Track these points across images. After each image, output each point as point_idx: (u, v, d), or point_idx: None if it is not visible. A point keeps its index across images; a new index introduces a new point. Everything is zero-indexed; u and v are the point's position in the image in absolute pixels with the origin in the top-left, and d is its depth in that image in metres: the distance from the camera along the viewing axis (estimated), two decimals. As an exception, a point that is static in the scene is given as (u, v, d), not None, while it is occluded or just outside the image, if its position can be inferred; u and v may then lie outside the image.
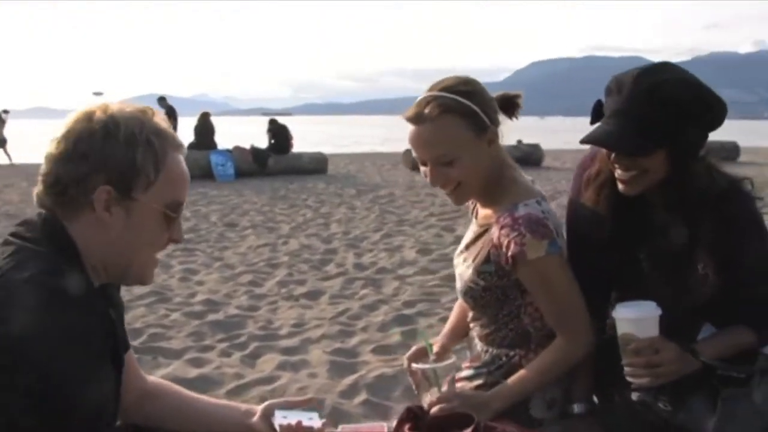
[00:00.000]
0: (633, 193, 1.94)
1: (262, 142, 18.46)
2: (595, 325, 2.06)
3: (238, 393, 4.20)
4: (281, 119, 19.39)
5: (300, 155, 19.02)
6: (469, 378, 2.21)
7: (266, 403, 1.95)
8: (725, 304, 2.02)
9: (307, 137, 28.78)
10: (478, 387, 2.17)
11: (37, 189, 1.49)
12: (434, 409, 1.97)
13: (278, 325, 5.67)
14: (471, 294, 2.13)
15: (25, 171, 17.83)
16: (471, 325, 2.27)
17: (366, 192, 14.88)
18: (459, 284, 2.19)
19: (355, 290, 6.77)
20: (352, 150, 28.83)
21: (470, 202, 2.31)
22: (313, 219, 11.18)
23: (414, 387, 2.20)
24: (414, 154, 2.05)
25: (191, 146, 17.08)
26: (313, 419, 1.76)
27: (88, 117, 1.46)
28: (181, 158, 1.56)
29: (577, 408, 2.11)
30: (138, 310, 5.85)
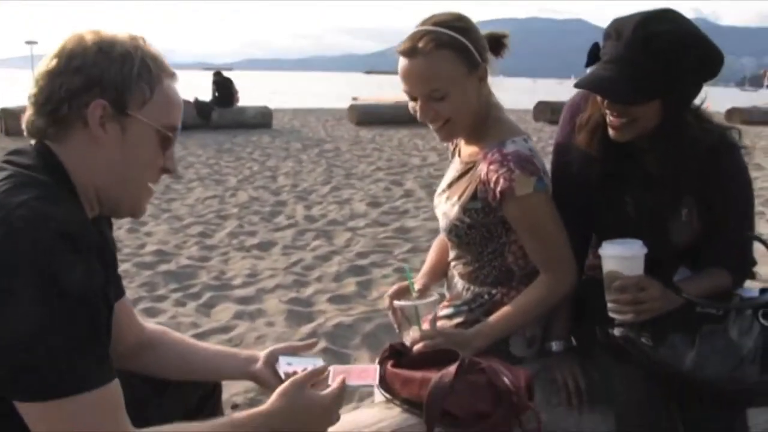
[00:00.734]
0: (623, 140, 1.95)
1: (206, 95, 18.08)
2: (577, 266, 2.07)
3: (196, 342, 4.15)
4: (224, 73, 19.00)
5: (244, 109, 18.70)
6: (449, 316, 2.21)
7: (269, 349, 1.90)
8: (703, 248, 2.06)
9: (251, 92, 28.32)
10: (458, 325, 2.17)
11: (27, 113, 1.42)
12: (417, 346, 1.97)
13: (231, 276, 5.61)
14: (456, 232, 2.11)
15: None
16: (452, 263, 2.26)
17: (312, 146, 14.76)
18: (443, 222, 2.17)
19: (307, 241, 6.73)
20: (295, 105, 28.46)
21: (450, 141, 2.29)
22: (260, 172, 11.05)
23: (395, 325, 2.19)
24: (405, 87, 2.01)
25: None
26: (317, 366, 1.73)
27: (81, 37, 1.41)
28: (175, 86, 1.51)
29: (555, 346, 2.13)
30: (86, 261, 5.71)
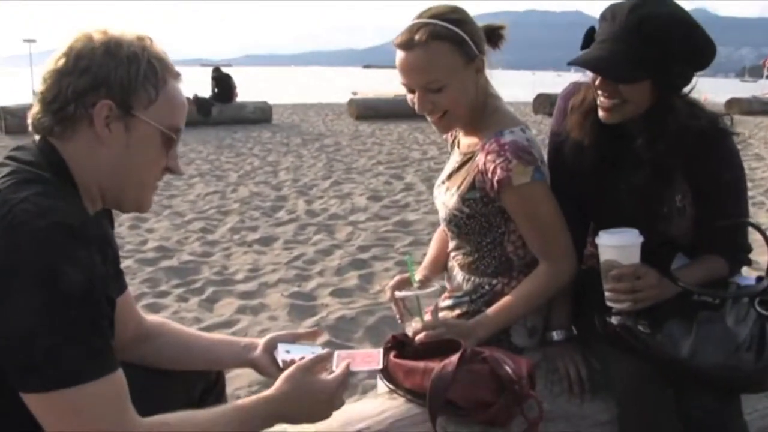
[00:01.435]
0: (612, 122, 1.97)
1: (205, 91, 18.08)
2: (576, 255, 2.10)
3: (199, 336, 4.17)
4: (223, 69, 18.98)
5: (244, 105, 18.70)
6: (450, 307, 2.23)
7: (269, 336, 1.92)
8: (699, 235, 2.08)
9: (250, 87, 28.30)
10: (460, 316, 2.19)
11: (34, 110, 1.45)
12: (419, 337, 1.99)
13: (234, 270, 5.63)
14: (455, 222, 2.13)
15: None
16: (452, 254, 2.29)
17: (312, 141, 14.77)
18: (442, 213, 2.19)
19: (309, 236, 6.76)
20: (294, 100, 28.44)
21: (449, 134, 2.31)
22: (261, 167, 11.06)
23: (397, 316, 2.21)
24: (402, 80, 2.03)
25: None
26: (317, 353, 1.75)
27: (89, 37, 1.43)
28: (179, 87, 1.54)
29: (556, 335, 2.16)
30: (89, 257, 5.73)
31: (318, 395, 1.59)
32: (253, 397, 1.55)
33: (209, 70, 18.92)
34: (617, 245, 1.90)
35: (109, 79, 1.40)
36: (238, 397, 3.34)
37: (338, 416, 1.98)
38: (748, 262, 2.11)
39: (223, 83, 18.09)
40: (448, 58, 1.96)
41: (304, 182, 9.68)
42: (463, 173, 2.12)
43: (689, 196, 2.04)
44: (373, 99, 22.76)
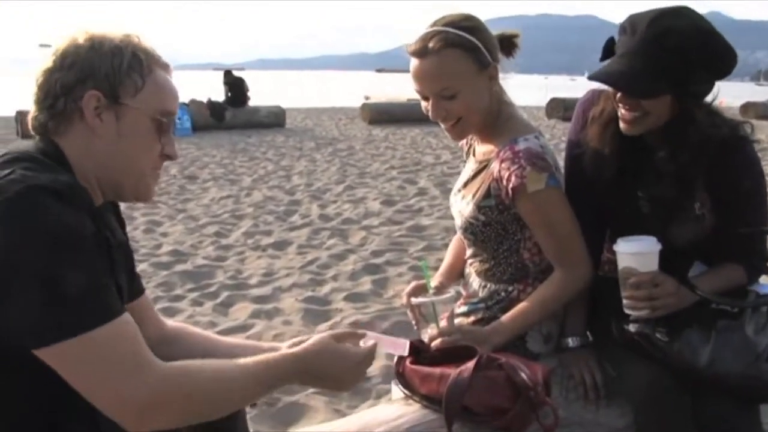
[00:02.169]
0: (634, 134, 1.97)
1: (218, 96, 18.15)
2: (592, 262, 2.10)
3: (214, 340, 4.18)
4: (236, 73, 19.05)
5: (257, 109, 18.77)
6: (466, 314, 2.23)
7: (294, 340, 1.93)
8: (718, 242, 2.07)
9: (263, 92, 28.40)
10: (476, 322, 2.19)
11: (31, 111, 1.50)
12: (435, 343, 2.00)
13: (248, 275, 5.66)
14: (471, 230, 2.14)
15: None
16: (469, 261, 2.29)
17: (325, 145, 14.80)
18: (458, 221, 2.20)
19: (322, 240, 6.77)
20: (308, 104, 28.52)
21: (464, 142, 2.32)
22: (275, 171, 11.10)
23: (413, 322, 2.22)
24: (416, 87, 2.04)
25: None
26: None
27: (74, 37, 1.49)
28: (168, 76, 1.57)
29: (571, 342, 2.15)
30: (104, 261, 5.76)
31: (344, 362, 1.59)
32: (279, 353, 1.56)
33: (222, 75, 18.99)
34: (635, 252, 1.90)
35: (94, 72, 1.45)
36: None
37: (355, 421, 1.99)
38: (767, 271, 2.10)
39: (236, 87, 18.16)
40: (461, 65, 1.97)
41: (317, 186, 9.71)
42: (478, 181, 2.13)
43: (708, 203, 2.03)
44: (386, 103, 22.79)
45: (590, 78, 1.91)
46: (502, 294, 2.18)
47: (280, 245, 6.57)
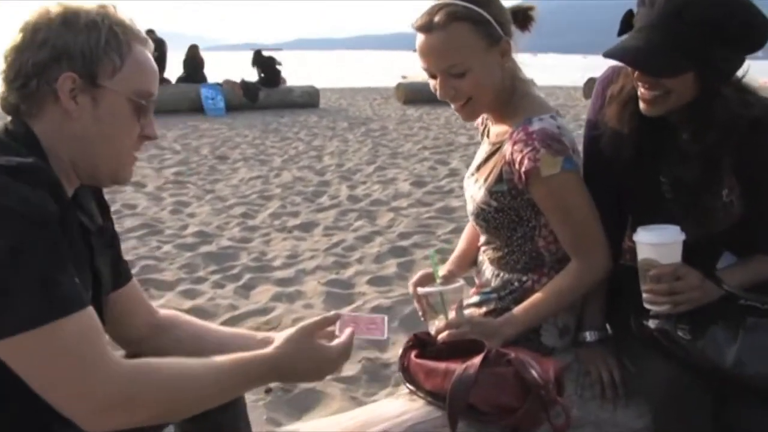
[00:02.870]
0: (654, 114, 1.83)
1: (252, 76, 18.12)
2: (611, 251, 1.97)
3: (233, 324, 4.11)
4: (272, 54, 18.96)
5: (291, 89, 18.70)
6: (477, 304, 2.12)
7: (296, 326, 1.86)
8: (747, 232, 1.93)
9: (299, 71, 28.39)
10: (487, 313, 2.08)
11: (0, 89, 1.41)
12: (442, 336, 1.89)
13: (272, 257, 5.59)
14: (483, 216, 2.02)
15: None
16: (482, 249, 2.17)
17: (358, 125, 14.69)
18: (470, 206, 2.08)
19: (350, 222, 6.68)
20: (343, 84, 28.42)
21: (479, 121, 2.20)
22: (306, 152, 11.02)
23: (420, 313, 2.11)
24: (423, 65, 1.93)
25: (180, 79, 16.94)
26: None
27: (45, 10, 1.39)
28: (148, 52, 1.48)
29: (589, 336, 2.03)
30: (129, 242, 5.74)
31: (317, 361, 1.55)
32: (251, 353, 1.50)
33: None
34: (656, 243, 1.77)
35: (69, 50, 1.36)
36: (268, 387, 3.32)
37: (358, 417, 1.91)
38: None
39: (268, 68, 18.10)
40: (469, 39, 1.85)
41: (348, 167, 9.61)
42: (490, 164, 2.01)
43: (737, 190, 1.89)
44: (421, 83, 22.57)
45: (605, 55, 1.76)
46: (516, 284, 2.06)
47: (307, 227, 6.50)
